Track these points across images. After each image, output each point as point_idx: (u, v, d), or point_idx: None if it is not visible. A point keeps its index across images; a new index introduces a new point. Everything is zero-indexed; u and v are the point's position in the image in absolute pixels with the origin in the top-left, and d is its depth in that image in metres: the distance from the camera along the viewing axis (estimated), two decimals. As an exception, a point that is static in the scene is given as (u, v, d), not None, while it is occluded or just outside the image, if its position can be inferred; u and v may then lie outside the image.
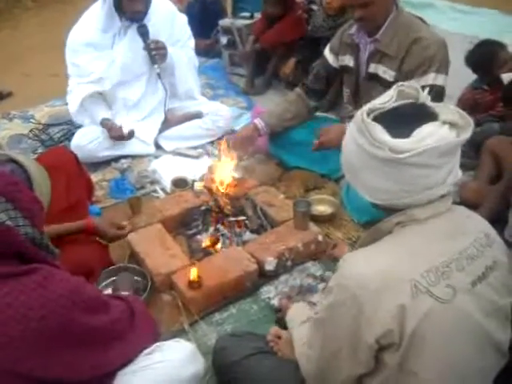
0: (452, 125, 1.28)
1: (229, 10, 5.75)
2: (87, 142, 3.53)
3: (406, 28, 2.73)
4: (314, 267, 2.59)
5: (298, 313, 1.84)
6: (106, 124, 3.58)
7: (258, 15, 4.99)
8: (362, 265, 1.31)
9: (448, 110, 1.31)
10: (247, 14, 5.12)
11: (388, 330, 1.23)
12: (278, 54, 4.69)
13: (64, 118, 4.07)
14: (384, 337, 1.25)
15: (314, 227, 2.71)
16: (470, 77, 3.64)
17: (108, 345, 1.59)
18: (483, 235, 1.38)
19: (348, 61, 3.00)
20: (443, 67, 2.71)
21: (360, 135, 1.32)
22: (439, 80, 2.70)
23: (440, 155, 1.25)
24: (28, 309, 1.38)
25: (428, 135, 1.25)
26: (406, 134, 1.26)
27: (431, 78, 2.69)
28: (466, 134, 1.28)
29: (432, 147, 1.23)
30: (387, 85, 2.65)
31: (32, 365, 1.43)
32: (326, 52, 3.14)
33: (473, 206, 2.60)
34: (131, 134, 3.58)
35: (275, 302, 2.37)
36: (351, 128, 1.37)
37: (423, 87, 2.53)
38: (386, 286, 1.24)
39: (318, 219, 2.83)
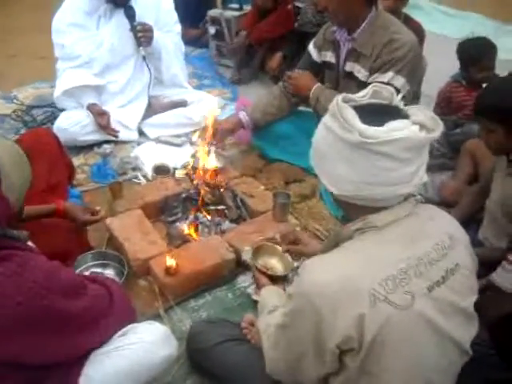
0: (422, 126, 1.30)
1: (218, 0, 5.75)
2: (70, 125, 3.51)
3: (383, 29, 2.75)
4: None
5: (268, 297, 1.85)
6: (93, 109, 3.57)
7: (246, 7, 5.00)
8: (320, 273, 1.31)
9: (420, 112, 1.33)
10: (236, 6, 5.12)
11: (347, 336, 1.25)
12: (265, 47, 4.71)
13: (48, 101, 4.05)
14: (344, 343, 1.26)
15: (292, 220, 2.74)
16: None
17: (85, 328, 1.60)
18: (447, 237, 1.40)
19: (330, 57, 3.03)
20: (406, 71, 2.72)
21: (332, 119, 1.33)
22: (397, 81, 2.71)
23: (407, 149, 1.27)
24: (3, 297, 1.38)
25: (398, 128, 1.27)
26: (377, 124, 1.28)
27: (388, 77, 2.71)
28: (435, 134, 1.30)
29: (400, 138, 1.25)
30: (361, 84, 2.69)
31: (8, 351, 1.44)
32: (310, 47, 3.16)
33: (450, 205, 2.66)
34: (116, 132, 3.59)
35: (251, 290, 2.40)
36: (325, 117, 1.38)
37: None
38: (345, 294, 1.25)
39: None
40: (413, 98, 2.93)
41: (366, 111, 1.34)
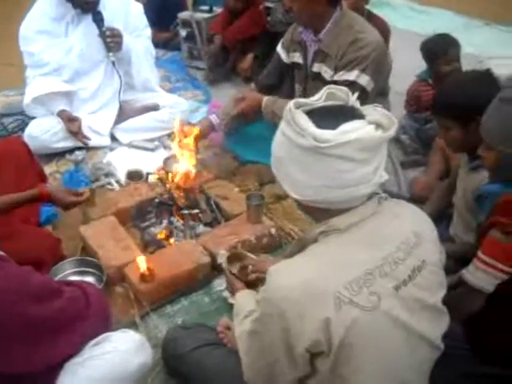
0: (378, 125, 1.30)
1: (189, 2, 5.73)
2: (41, 132, 3.48)
3: (347, 29, 2.77)
4: None
5: (243, 302, 1.85)
6: (63, 115, 3.53)
7: (217, 9, 5.00)
8: (285, 277, 1.31)
9: (375, 111, 1.34)
10: (206, 8, 5.11)
11: (315, 340, 1.25)
12: (236, 48, 4.71)
13: (18, 109, 3.98)
14: (313, 347, 1.26)
15: (267, 221, 2.75)
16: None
17: (61, 331, 1.58)
18: (412, 235, 1.40)
19: (298, 58, 3.03)
20: (371, 70, 2.74)
21: (286, 125, 1.33)
22: (362, 79, 2.74)
23: (362, 149, 1.27)
24: None
25: (352, 130, 1.27)
26: (331, 127, 1.28)
27: (354, 75, 2.74)
28: (389, 132, 1.30)
29: (354, 139, 1.25)
30: (325, 84, 2.70)
31: None
32: (279, 48, 3.16)
33: (422, 201, 2.68)
34: (87, 138, 3.56)
35: (227, 294, 2.39)
36: (282, 123, 1.38)
37: (344, 82, 2.56)
38: (309, 298, 1.25)
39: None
40: (380, 94, 2.95)
41: (320, 114, 1.34)
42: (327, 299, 1.25)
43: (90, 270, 2.46)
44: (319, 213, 1.39)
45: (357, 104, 1.40)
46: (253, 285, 2.08)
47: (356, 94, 1.42)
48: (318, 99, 1.40)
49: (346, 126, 1.28)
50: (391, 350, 1.32)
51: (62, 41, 3.57)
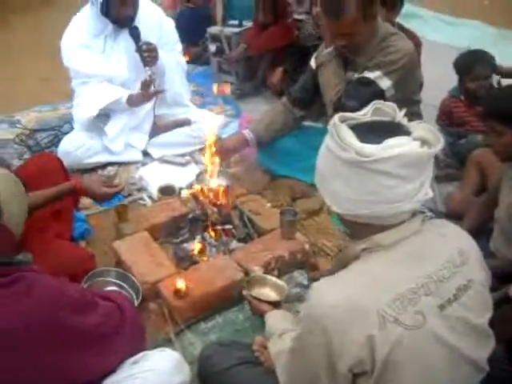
0: (423, 141, 1.29)
1: (218, 17, 5.77)
2: (74, 148, 3.51)
3: (380, 40, 2.78)
4: (301, 276, 2.58)
5: (275, 321, 1.83)
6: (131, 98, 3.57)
7: (246, 23, 5.02)
8: (329, 294, 1.30)
9: (421, 128, 1.32)
10: (236, 22, 5.14)
11: (359, 359, 1.23)
12: (266, 62, 4.72)
13: (51, 124, 4.06)
14: (356, 366, 1.24)
15: (301, 237, 2.72)
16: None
17: (97, 346, 1.59)
18: (457, 253, 1.38)
19: None
20: (395, 76, 2.73)
21: (330, 138, 1.33)
22: (382, 82, 2.72)
23: (406, 165, 1.25)
24: (14, 320, 1.38)
25: (396, 145, 1.26)
26: (375, 142, 1.27)
27: (375, 75, 2.73)
28: (435, 149, 1.29)
29: (397, 154, 1.24)
30: None
31: (19, 373, 1.43)
32: (312, 62, 3.16)
33: (458, 216, 2.64)
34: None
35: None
36: (326, 136, 1.38)
37: (362, 79, 2.63)
38: (352, 316, 1.24)
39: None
40: (411, 104, 2.93)
41: (365, 129, 1.33)
42: (371, 317, 1.23)
43: (125, 285, 2.44)
44: (361, 228, 1.38)
45: (404, 120, 1.38)
46: (275, 306, 2.07)
47: (404, 111, 1.40)
48: (365, 114, 1.39)
49: (390, 141, 1.27)
50: (434, 369, 1.29)
51: (102, 56, 3.62)
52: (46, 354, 1.45)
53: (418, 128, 1.33)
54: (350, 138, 1.29)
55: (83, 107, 3.63)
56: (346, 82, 2.88)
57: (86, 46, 3.60)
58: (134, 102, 3.58)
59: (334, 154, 1.31)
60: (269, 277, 2.31)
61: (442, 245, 1.39)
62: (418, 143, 1.29)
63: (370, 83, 2.71)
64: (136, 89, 3.64)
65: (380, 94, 2.67)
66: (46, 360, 1.46)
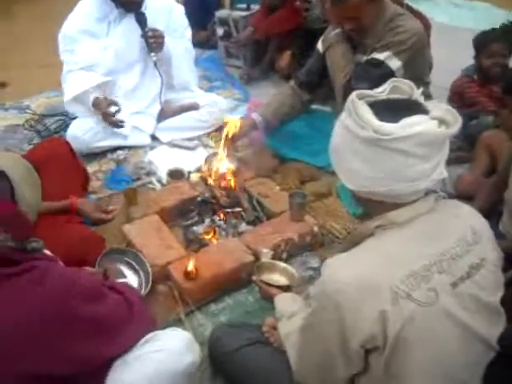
0: (441, 121, 1.29)
1: (226, 1, 5.74)
2: (82, 132, 3.50)
3: (388, 20, 2.76)
4: (313, 260, 2.59)
5: (285, 304, 1.84)
6: (98, 103, 3.48)
7: (254, 7, 4.98)
8: (342, 271, 1.31)
9: (439, 107, 1.32)
10: (244, 6, 5.11)
11: (371, 335, 1.24)
12: (273, 45, 4.70)
13: (60, 109, 4.05)
14: (368, 341, 1.26)
15: (310, 219, 2.73)
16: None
17: (107, 335, 1.61)
18: (470, 232, 1.38)
19: None
20: (405, 56, 2.72)
21: (347, 115, 1.33)
22: (392, 62, 2.71)
23: (423, 145, 1.25)
24: (28, 308, 1.40)
25: (415, 124, 1.26)
26: (393, 120, 1.27)
27: (384, 56, 2.72)
28: (453, 129, 1.28)
29: (415, 133, 1.24)
30: None
31: (34, 362, 1.45)
32: (319, 45, 3.14)
33: (468, 198, 2.63)
34: (122, 122, 3.52)
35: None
36: (343, 114, 1.38)
37: (372, 60, 2.64)
38: (365, 291, 1.25)
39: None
40: (420, 85, 2.91)
41: (383, 107, 1.33)
42: (383, 292, 1.24)
43: (137, 266, 2.45)
44: (375, 206, 1.39)
45: (421, 98, 1.38)
46: (287, 289, 2.08)
47: (421, 89, 1.39)
48: (382, 91, 1.39)
49: (408, 120, 1.26)
50: (446, 346, 1.31)
51: (103, 41, 3.60)
52: (57, 341, 1.46)
53: (436, 107, 1.33)
54: (368, 115, 1.29)
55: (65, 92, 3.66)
56: (355, 64, 2.87)
57: (88, 32, 3.57)
58: (96, 106, 3.51)
59: (352, 131, 1.31)
60: (278, 262, 2.31)
61: (456, 224, 1.40)
62: (436, 122, 1.28)
63: (380, 64, 2.70)
64: (124, 78, 3.66)
65: (390, 75, 2.64)
66: (57, 347, 1.47)
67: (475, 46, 3.37)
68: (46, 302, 1.43)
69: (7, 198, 1.53)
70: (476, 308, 1.34)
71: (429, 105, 1.35)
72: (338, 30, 2.94)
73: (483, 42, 3.32)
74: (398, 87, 1.39)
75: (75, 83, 3.58)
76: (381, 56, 2.72)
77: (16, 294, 1.42)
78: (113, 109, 3.45)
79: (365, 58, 2.82)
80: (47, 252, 1.72)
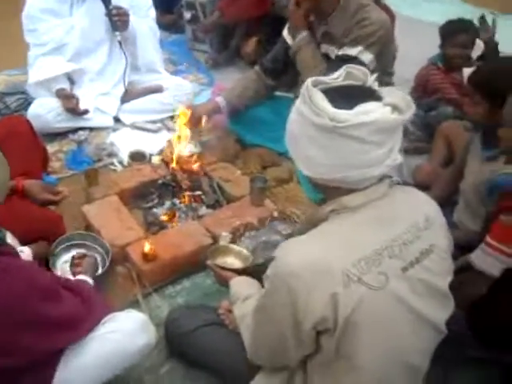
0: (394, 107, 1.30)
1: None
2: (45, 111, 3.44)
3: (353, 12, 2.78)
4: (281, 225, 2.58)
5: (240, 287, 1.85)
6: (60, 94, 3.49)
7: (221, -9, 4.94)
8: (295, 254, 1.32)
9: (393, 93, 1.34)
10: (211, -10, 5.06)
11: (322, 317, 1.26)
12: (240, 31, 4.68)
13: (21, 88, 3.96)
14: (319, 324, 1.28)
15: (270, 204, 2.75)
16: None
17: (64, 330, 1.63)
18: (422, 218, 1.41)
19: None
20: (375, 48, 2.75)
21: (303, 103, 1.34)
22: (364, 56, 2.74)
23: (378, 132, 1.27)
24: None
25: (368, 111, 1.27)
26: (347, 107, 1.28)
27: (357, 51, 2.74)
28: (406, 115, 1.30)
29: (370, 121, 1.25)
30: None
31: None
32: (285, 33, 3.15)
33: (426, 188, 2.69)
34: (86, 112, 3.52)
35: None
36: (298, 101, 1.38)
37: (345, 56, 2.64)
38: (318, 275, 1.26)
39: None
40: (384, 75, 2.95)
41: (338, 94, 1.34)
42: (335, 276, 1.26)
43: (96, 246, 2.44)
44: (330, 191, 1.40)
45: (375, 85, 1.40)
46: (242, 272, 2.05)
47: (375, 75, 1.41)
48: (337, 78, 1.39)
49: (362, 107, 1.28)
50: (396, 330, 1.34)
51: (67, 20, 3.54)
52: (9, 335, 1.49)
53: (389, 94, 1.34)
54: (323, 102, 1.29)
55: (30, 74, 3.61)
56: (325, 59, 2.89)
57: (50, 11, 3.51)
58: (59, 96, 3.51)
59: (307, 118, 1.32)
60: (232, 246, 2.31)
61: (408, 209, 1.43)
62: (389, 109, 1.30)
63: (352, 59, 2.71)
64: (92, 59, 3.62)
65: None
66: (9, 339, 1.50)
67: (441, 35, 3.40)
68: (4, 295, 1.44)
69: None
70: (425, 292, 1.37)
71: (382, 91, 1.37)
72: (304, 34, 2.96)
73: (449, 31, 3.36)
74: (353, 74, 1.40)
75: (42, 68, 3.52)
76: (353, 51, 2.75)
77: None
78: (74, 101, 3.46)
79: (335, 51, 2.84)
80: (9, 241, 1.71)
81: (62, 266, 2.32)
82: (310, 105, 1.31)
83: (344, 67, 1.42)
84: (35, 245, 2.22)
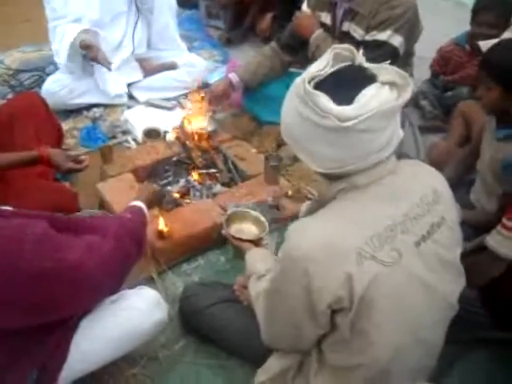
0: (391, 85, 1.28)
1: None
2: (59, 88, 3.45)
3: None
4: None
5: (254, 262, 1.84)
6: (83, 45, 3.33)
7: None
8: (306, 235, 1.31)
9: (385, 70, 1.30)
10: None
11: (338, 297, 1.26)
12: (255, 7, 4.63)
13: (35, 64, 3.96)
14: (335, 303, 1.27)
15: (284, 182, 2.74)
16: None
17: (62, 286, 1.51)
18: (430, 192, 1.40)
19: (325, 18, 2.96)
20: (403, 30, 2.71)
21: (304, 106, 1.28)
22: (394, 40, 2.70)
23: (383, 117, 1.24)
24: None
25: (371, 99, 1.24)
26: (348, 99, 1.24)
27: (387, 35, 2.70)
28: (407, 94, 1.27)
29: (376, 112, 1.22)
30: (356, 44, 2.64)
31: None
32: (304, 7, 3.10)
33: (440, 166, 2.66)
34: (109, 63, 3.39)
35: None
36: (293, 100, 1.32)
37: (375, 42, 2.55)
38: (331, 256, 1.25)
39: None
40: (406, 56, 2.90)
41: (333, 84, 1.29)
42: (349, 255, 1.25)
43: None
44: (338, 175, 1.37)
45: (363, 61, 1.35)
46: (256, 244, 2.04)
47: (361, 51, 1.37)
48: (326, 65, 1.33)
49: (363, 98, 1.24)
50: (410, 305, 1.33)
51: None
52: (6, 290, 1.43)
53: (382, 71, 1.30)
54: (327, 103, 1.24)
55: (59, 54, 3.54)
56: (346, 37, 2.83)
57: None
58: (85, 46, 3.37)
59: (313, 121, 1.27)
60: (249, 211, 2.27)
61: (416, 183, 1.42)
62: (388, 88, 1.27)
63: (384, 44, 2.68)
64: (111, 31, 3.57)
65: (394, 53, 2.69)
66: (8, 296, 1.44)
67: (472, 11, 3.29)
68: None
69: None
70: (438, 266, 1.37)
71: (374, 68, 1.33)
72: (317, 32, 2.92)
73: (476, 7, 3.22)
74: (339, 54, 1.35)
75: (63, 40, 3.45)
76: (383, 36, 2.70)
77: None
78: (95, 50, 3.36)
79: (361, 32, 2.78)
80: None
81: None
82: (313, 108, 1.25)
83: (329, 50, 1.35)
84: None
